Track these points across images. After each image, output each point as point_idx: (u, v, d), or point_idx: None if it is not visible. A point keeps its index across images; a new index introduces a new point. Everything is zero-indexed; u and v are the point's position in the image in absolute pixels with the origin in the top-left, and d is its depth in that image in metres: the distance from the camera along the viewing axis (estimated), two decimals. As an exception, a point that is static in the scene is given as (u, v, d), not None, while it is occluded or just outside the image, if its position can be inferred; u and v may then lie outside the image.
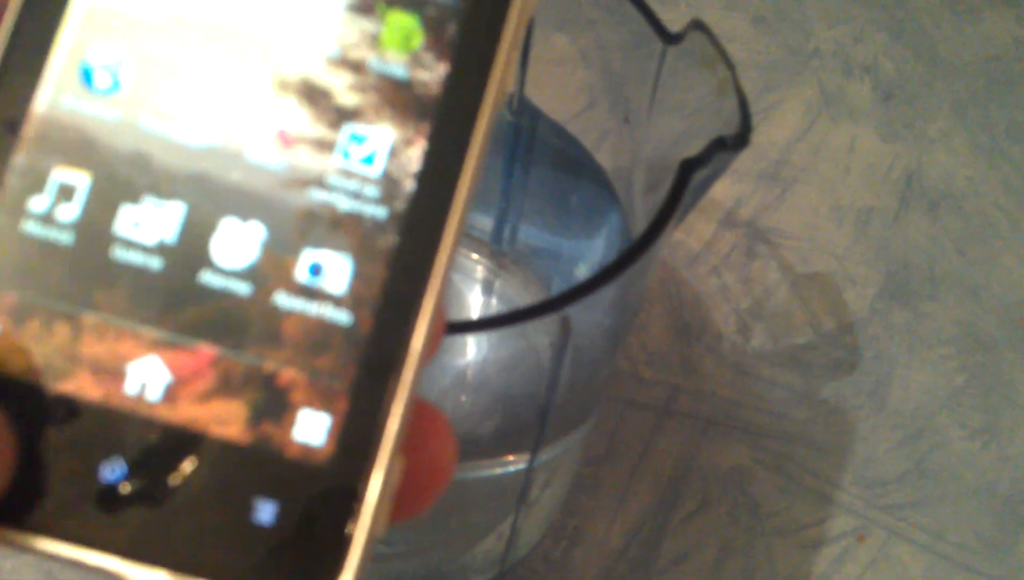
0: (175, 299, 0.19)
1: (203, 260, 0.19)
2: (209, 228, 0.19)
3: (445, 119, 0.19)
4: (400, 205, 0.19)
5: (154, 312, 0.19)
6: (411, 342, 0.19)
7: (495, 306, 0.49)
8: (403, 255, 0.19)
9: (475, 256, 0.49)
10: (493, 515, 0.45)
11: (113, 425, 0.19)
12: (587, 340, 0.38)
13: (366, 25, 0.20)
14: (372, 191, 0.19)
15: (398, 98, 0.19)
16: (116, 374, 0.19)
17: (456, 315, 0.49)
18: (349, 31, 0.20)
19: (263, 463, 0.18)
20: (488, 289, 0.49)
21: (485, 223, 0.49)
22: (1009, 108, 0.66)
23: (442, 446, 0.20)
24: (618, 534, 0.48)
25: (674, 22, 0.39)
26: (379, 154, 0.19)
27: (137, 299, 0.19)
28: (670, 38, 0.38)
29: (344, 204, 0.19)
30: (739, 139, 0.35)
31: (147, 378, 0.19)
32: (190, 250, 0.19)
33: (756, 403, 0.52)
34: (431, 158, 0.19)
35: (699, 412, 0.52)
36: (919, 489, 0.50)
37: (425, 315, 0.19)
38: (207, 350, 0.19)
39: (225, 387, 0.19)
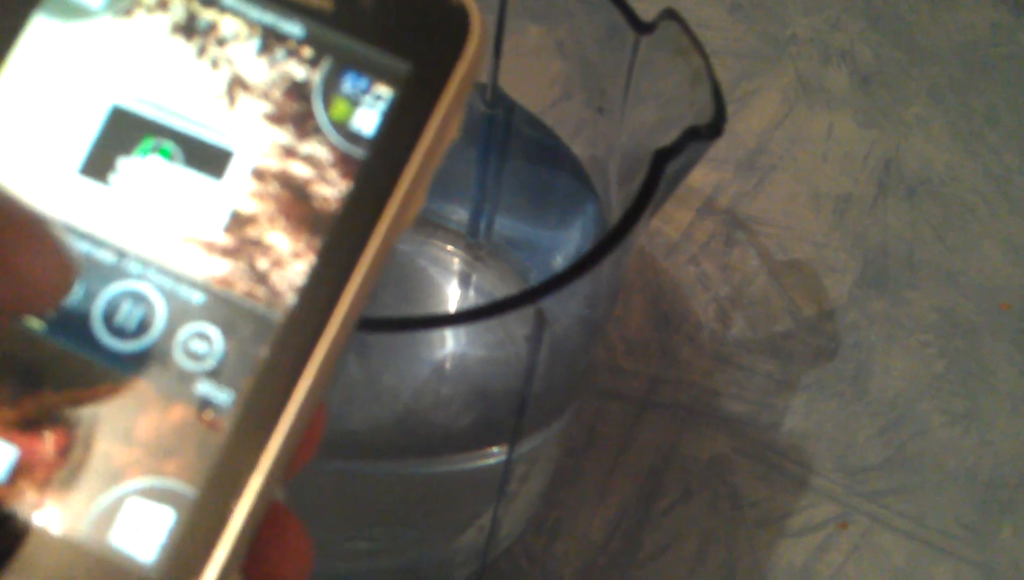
0: (37, 380, 0.19)
1: (70, 349, 0.19)
2: (83, 321, 0.19)
3: (336, 239, 0.19)
4: (278, 318, 0.19)
5: (14, 391, 0.19)
6: (262, 462, 0.18)
7: (473, 298, 0.49)
8: (270, 371, 0.19)
9: (451, 248, 0.49)
10: (473, 508, 0.45)
11: None
12: (564, 331, 0.37)
13: (279, 135, 0.20)
14: (254, 301, 0.19)
15: (296, 208, 0.20)
16: None
17: (433, 307, 0.49)
18: (262, 138, 0.20)
19: (92, 562, 0.18)
20: (465, 281, 0.49)
21: (461, 215, 0.48)
22: (987, 93, 0.66)
23: (294, 557, 0.20)
24: (599, 526, 0.48)
25: (650, 11, 0.38)
26: (267, 262, 0.19)
27: (0, 375, 0.19)
28: (643, 28, 0.38)
29: (222, 309, 0.19)
30: (713, 128, 0.35)
31: None
32: (59, 337, 0.19)
33: (736, 392, 0.52)
34: (315, 275, 0.19)
35: (679, 402, 0.52)
36: (901, 476, 0.50)
37: (281, 437, 0.19)
38: (59, 437, 0.19)
39: (70, 478, 0.18)
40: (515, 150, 0.46)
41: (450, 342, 0.42)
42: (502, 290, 0.49)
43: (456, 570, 0.46)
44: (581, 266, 0.32)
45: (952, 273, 0.57)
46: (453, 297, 0.49)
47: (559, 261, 0.46)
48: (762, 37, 0.67)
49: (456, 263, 0.49)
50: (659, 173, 0.34)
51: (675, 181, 0.36)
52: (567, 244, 0.46)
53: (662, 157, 0.34)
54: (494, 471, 0.42)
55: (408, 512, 0.44)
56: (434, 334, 0.41)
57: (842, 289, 0.56)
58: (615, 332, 0.53)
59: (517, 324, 0.39)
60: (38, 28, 0.20)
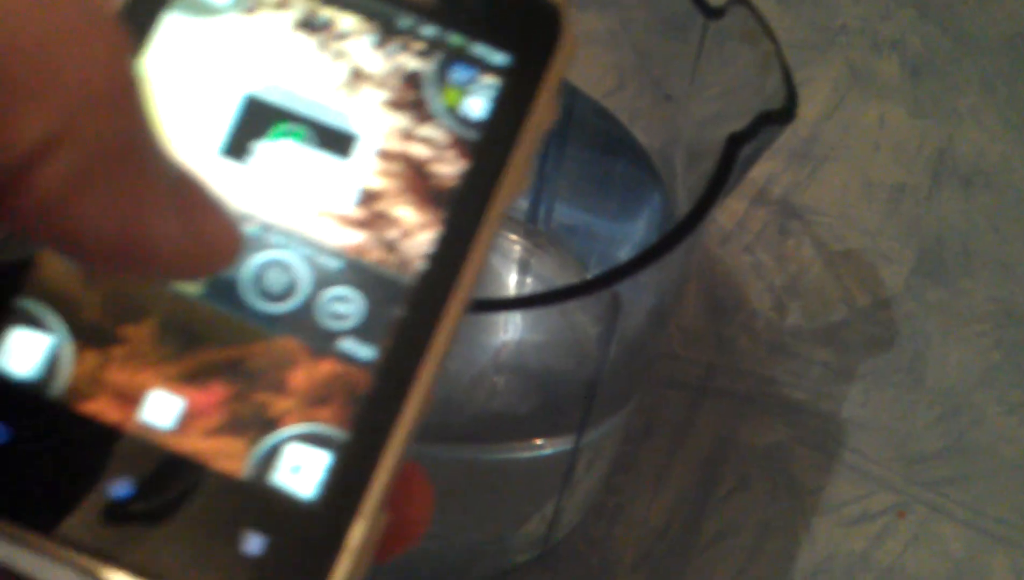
0: (197, 339, 0.21)
1: (226, 312, 0.21)
2: (235, 286, 0.21)
3: (458, 210, 0.21)
4: (411, 281, 0.21)
5: (177, 348, 0.21)
6: (407, 407, 0.20)
7: (531, 285, 0.49)
8: (408, 327, 0.21)
9: (512, 236, 0.49)
10: (534, 496, 0.45)
11: (127, 447, 0.20)
12: (634, 319, 0.38)
13: (397, 120, 0.22)
14: (387, 267, 0.21)
15: (419, 185, 0.22)
16: (134, 401, 0.20)
17: (492, 293, 0.49)
18: (382, 123, 0.22)
19: (257, 499, 0.20)
20: (524, 268, 0.49)
21: (520, 202, 0.49)
22: (1039, 83, 0.65)
23: (421, 503, 0.21)
24: (658, 513, 0.48)
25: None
26: (397, 232, 0.21)
27: (163, 335, 0.21)
28: (712, 13, 0.38)
29: (359, 275, 0.21)
30: (785, 113, 0.35)
31: (162, 408, 0.20)
32: (216, 301, 0.21)
33: (793, 380, 0.52)
34: (442, 242, 0.21)
35: (736, 390, 0.52)
36: (958, 465, 0.50)
37: (422, 385, 0.20)
38: (221, 389, 0.20)
39: (232, 425, 0.20)
40: (577, 137, 0.46)
41: (511, 328, 0.42)
42: (561, 277, 0.49)
43: (517, 555, 0.47)
44: (658, 249, 0.32)
45: (1008, 264, 0.57)
46: (511, 283, 0.49)
47: (623, 249, 0.46)
48: (811, 27, 0.67)
49: (515, 250, 0.49)
50: (733, 157, 0.34)
51: (746, 166, 0.36)
52: (631, 233, 0.46)
53: (736, 142, 0.35)
54: (555, 460, 0.42)
55: (464, 498, 0.44)
56: (496, 319, 0.41)
57: (897, 279, 0.56)
58: (671, 320, 0.53)
59: (581, 312, 0.40)
60: (170, 24, 0.22)
